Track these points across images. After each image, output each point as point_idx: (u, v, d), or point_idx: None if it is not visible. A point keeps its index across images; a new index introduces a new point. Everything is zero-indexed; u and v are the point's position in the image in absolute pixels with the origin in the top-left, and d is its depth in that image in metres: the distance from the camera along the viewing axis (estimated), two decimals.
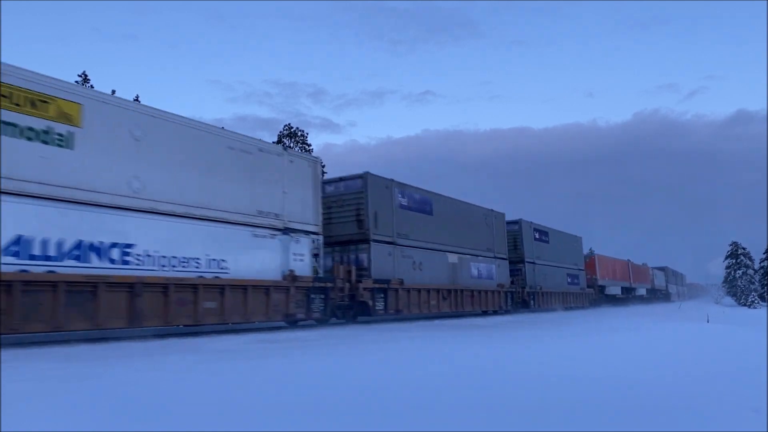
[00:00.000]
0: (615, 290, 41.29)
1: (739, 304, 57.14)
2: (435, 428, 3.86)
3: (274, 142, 40.57)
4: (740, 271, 61.04)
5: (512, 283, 24.73)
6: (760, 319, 24.42)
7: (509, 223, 25.96)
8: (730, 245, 63.47)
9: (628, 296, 45.65)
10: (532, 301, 26.19)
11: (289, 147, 13.87)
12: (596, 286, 36.33)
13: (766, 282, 56.02)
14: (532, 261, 27.34)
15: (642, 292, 50.65)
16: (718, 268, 74.35)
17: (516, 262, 25.93)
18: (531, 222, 28.02)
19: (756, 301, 54.47)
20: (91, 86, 32.47)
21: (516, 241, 26.38)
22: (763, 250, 57.92)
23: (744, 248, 62.56)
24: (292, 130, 40.95)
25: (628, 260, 48.72)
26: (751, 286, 58.34)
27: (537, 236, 28.52)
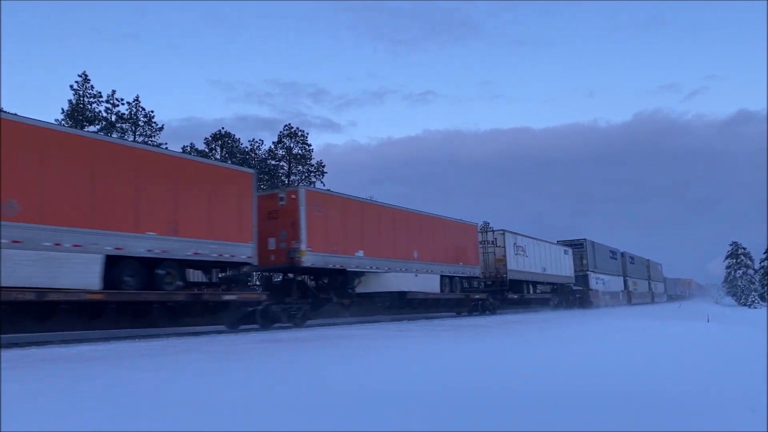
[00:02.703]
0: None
1: (739, 304, 56.84)
2: None
3: (274, 143, 39.90)
4: (740, 271, 60.91)
5: None
6: (760, 319, 23.99)
7: None
8: (730, 245, 63.36)
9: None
10: None
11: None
12: None
13: (766, 282, 55.64)
14: None
15: (418, 286, 20.44)
16: (718, 268, 73.77)
17: None
18: None
19: (756, 301, 54.14)
20: (92, 86, 32.30)
21: None
22: (763, 250, 57.80)
23: (744, 248, 62.45)
24: (292, 130, 40.93)
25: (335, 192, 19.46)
26: (751, 286, 58.01)
27: None
